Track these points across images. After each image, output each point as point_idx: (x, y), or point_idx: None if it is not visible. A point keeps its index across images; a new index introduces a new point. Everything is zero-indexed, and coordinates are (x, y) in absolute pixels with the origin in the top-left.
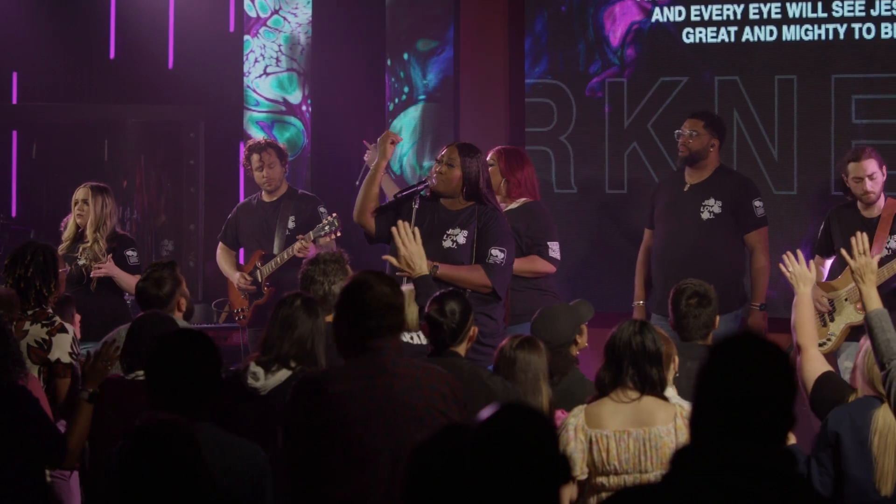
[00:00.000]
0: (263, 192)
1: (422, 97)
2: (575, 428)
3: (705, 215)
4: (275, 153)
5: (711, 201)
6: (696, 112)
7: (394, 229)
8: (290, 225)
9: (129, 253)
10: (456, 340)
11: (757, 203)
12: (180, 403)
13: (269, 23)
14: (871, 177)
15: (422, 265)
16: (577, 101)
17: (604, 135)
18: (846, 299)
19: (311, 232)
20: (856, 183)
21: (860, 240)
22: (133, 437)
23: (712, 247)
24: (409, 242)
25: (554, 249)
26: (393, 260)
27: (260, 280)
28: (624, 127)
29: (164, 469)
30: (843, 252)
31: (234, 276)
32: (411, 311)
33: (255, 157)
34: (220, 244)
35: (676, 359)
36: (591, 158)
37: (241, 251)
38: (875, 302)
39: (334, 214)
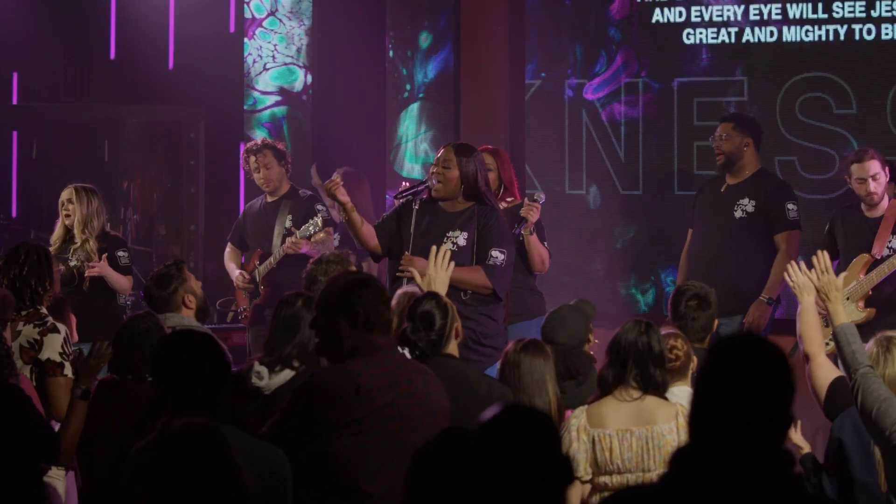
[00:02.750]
0: (267, 193)
1: (421, 94)
2: (577, 428)
3: (738, 214)
4: (271, 154)
5: (746, 200)
6: (725, 115)
7: (433, 248)
8: (288, 224)
9: (120, 254)
10: (439, 347)
11: (790, 206)
12: (195, 407)
13: (264, 24)
14: (874, 177)
15: (440, 293)
16: (580, 99)
17: (609, 133)
18: (847, 298)
19: (299, 230)
20: (859, 184)
21: (821, 258)
22: (162, 442)
23: (742, 245)
24: (440, 269)
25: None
26: (416, 274)
27: (257, 279)
28: (629, 126)
29: (195, 474)
30: (807, 272)
31: (234, 276)
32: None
33: (251, 158)
34: (229, 244)
35: (695, 358)
36: (600, 158)
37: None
38: (840, 317)
39: (320, 209)
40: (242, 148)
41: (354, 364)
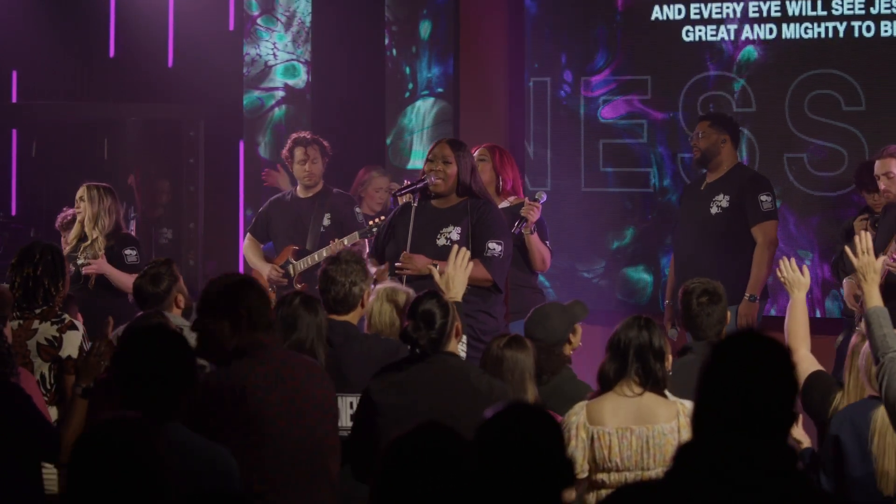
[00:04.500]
0: (299, 188)
1: (425, 91)
2: (576, 425)
3: (714, 210)
4: (318, 149)
5: (720, 196)
6: (703, 115)
7: (454, 248)
8: (326, 223)
9: (128, 252)
10: (439, 346)
11: (763, 197)
12: (147, 402)
13: (259, 21)
14: (886, 175)
15: (458, 293)
16: (580, 99)
17: (607, 132)
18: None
19: (345, 238)
20: (876, 180)
21: (863, 238)
22: (85, 436)
23: (717, 241)
24: (459, 269)
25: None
26: (436, 273)
27: (292, 275)
28: (626, 125)
29: (112, 469)
30: (847, 249)
31: (265, 268)
32: (384, 311)
33: (299, 150)
34: (249, 235)
35: (670, 357)
36: (592, 157)
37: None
38: (875, 299)
39: (371, 222)
40: (242, 146)
41: (240, 366)
